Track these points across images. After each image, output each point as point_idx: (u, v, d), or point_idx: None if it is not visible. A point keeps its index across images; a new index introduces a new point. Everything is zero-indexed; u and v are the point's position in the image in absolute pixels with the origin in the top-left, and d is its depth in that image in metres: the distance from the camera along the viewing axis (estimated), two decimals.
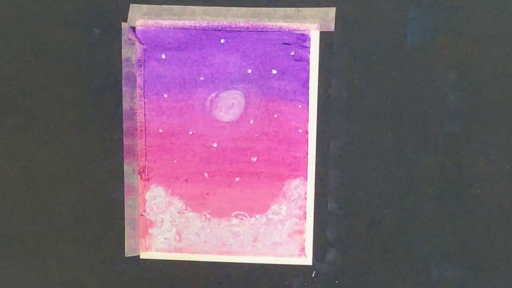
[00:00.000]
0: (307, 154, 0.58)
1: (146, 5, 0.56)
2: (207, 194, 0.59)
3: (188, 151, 0.58)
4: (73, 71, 0.58)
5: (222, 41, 0.57)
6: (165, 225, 0.59)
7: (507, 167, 0.58)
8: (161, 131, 0.58)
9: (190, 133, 0.58)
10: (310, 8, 0.56)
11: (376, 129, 0.58)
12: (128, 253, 0.60)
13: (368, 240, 0.60)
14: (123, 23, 0.56)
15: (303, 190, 0.59)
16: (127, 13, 0.56)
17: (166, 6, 0.56)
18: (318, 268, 0.60)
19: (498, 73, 0.56)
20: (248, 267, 0.60)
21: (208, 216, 0.59)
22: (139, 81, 0.57)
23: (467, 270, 0.59)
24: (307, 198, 0.59)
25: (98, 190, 0.59)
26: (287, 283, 0.60)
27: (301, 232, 0.59)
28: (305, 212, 0.59)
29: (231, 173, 0.59)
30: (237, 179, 0.59)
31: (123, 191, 0.59)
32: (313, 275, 0.60)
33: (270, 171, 0.58)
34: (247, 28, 0.56)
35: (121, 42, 0.57)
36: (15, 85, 0.58)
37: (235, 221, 0.59)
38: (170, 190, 0.59)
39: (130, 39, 0.55)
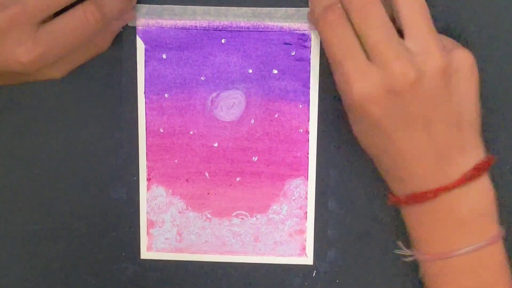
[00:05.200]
0: (308, 154, 0.58)
1: (147, 5, 0.56)
2: (208, 194, 0.59)
3: (189, 151, 0.58)
4: (73, 71, 0.58)
5: (223, 41, 0.57)
6: (166, 225, 0.59)
7: (507, 167, 0.58)
8: (162, 131, 0.58)
9: (191, 133, 0.58)
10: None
11: None
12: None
13: (368, 240, 0.60)
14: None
15: (304, 189, 0.59)
16: None
17: (167, 6, 0.56)
18: (318, 268, 0.60)
19: (498, 73, 0.57)
20: (249, 267, 0.60)
21: (209, 216, 0.59)
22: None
23: None
24: (308, 197, 0.59)
25: (98, 190, 0.59)
26: (287, 282, 0.61)
27: (302, 231, 0.59)
28: (306, 212, 0.59)
29: (232, 173, 0.59)
30: (238, 179, 0.59)
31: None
32: (313, 275, 0.60)
33: (271, 171, 0.59)
34: (248, 28, 0.56)
35: (121, 42, 0.57)
36: (15, 85, 0.58)
37: (235, 221, 0.59)
38: (170, 190, 0.59)
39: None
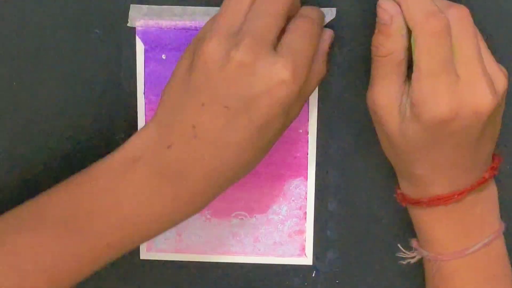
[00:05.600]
0: (308, 154, 0.58)
1: (147, 6, 0.56)
2: None
3: None
4: (73, 72, 0.58)
5: None
6: None
7: (507, 167, 0.58)
8: None
9: None
10: None
11: None
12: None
13: (368, 240, 0.60)
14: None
15: (304, 190, 0.59)
16: (127, 13, 0.56)
17: (166, 7, 0.56)
18: (318, 268, 0.60)
19: None
20: (248, 267, 0.60)
21: (208, 216, 0.59)
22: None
23: None
24: (308, 198, 0.59)
25: None
26: (287, 283, 0.61)
27: (301, 232, 0.59)
28: (305, 212, 0.59)
29: None
30: None
31: None
32: (313, 275, 0.60)
33: (271, 171, 0.59)
34: None
35: (121, 42, 0.57)
36: (15, 85, 0.58)
37: (235, 221, 0.59)
38: None
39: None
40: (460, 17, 0.49)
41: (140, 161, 0.49)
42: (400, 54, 0.50)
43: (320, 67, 0.51)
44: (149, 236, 0.51)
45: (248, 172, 0.50)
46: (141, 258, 0.60)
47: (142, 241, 0.51)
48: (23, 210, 0.51)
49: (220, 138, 0.47)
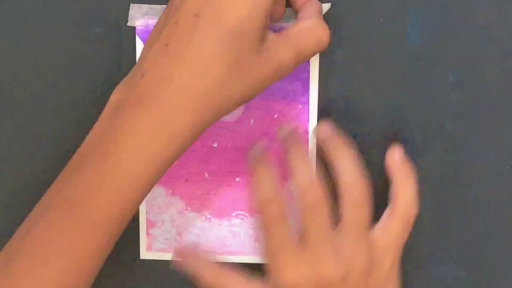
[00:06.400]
0: (308, 154, 0.58)
1: (147, 5, 0.56)
2: (208, 194, 0.59)
3: (188, 151, 0.57)
4: (73, 71, 0.58)
5: None
6: (165, 225, 0.59)
7: (507, 167, 0.58)
8: None
9: None
10: None
11: (376, 129, 0.58)
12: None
13: None
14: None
15: None
16: (127, 13, 0.56)
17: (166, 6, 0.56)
18: None
19: (498, 74, 0.57)
20: (249, 267, 0.60)
21: (208, 216, 0.59)
22: None
23: (467, 270, 0.59)
24: None
25: None
26: None
27: None
28: None
29: (232, 173, 0.59)
30: (237, 179, 0.59)
31: None
32: None
33: None
34: None
35: (121, 42, 0.57)
36: (15, 85, 0.58)
37: (235, 221, 0.59)
38: (170, 191, 0.59)
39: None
40: (310, 199, 0.53)
41: (121, 102, 0.48)
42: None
43: None
44: (147, 184, 0.48)
45: (228, 105, 0.47)
46: (141, 258, 0.60)
47: (145, 192, 0.48)
48: (39, 205, 0.51)
49: (189, 49, 0.46)
